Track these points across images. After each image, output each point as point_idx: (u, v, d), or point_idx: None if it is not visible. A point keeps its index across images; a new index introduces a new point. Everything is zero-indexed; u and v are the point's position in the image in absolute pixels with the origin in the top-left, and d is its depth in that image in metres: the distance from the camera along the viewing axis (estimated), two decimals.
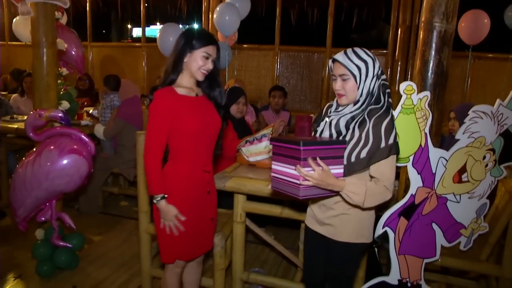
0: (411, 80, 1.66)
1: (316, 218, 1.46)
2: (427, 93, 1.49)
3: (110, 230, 3.02)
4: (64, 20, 2.81)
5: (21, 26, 3.58)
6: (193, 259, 1.72)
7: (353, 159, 1.28)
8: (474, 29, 3.74)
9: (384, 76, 1.35)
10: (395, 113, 1.47)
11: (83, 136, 2.14)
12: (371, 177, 1.32)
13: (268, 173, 1.92)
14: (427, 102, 1.49)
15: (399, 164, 1.50)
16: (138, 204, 2.11)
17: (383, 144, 1.27)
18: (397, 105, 1.50)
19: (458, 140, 1.54)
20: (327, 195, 1.30)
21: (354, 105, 1.33)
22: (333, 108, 1.42)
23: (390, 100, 1.35)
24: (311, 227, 1.50)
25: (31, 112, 2.17)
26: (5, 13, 5.89)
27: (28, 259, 2.43)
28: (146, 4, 5.84)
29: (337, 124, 1.34)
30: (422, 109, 1.49)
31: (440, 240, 1.60)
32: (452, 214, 1.58)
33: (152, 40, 5.27)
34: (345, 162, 1.29)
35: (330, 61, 1.38)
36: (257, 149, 2.09)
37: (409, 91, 1.48)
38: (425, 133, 1.50)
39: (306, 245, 1.57)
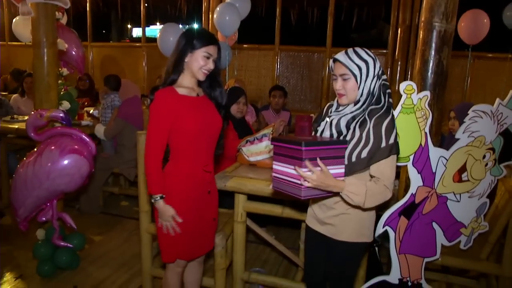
0: (411, 79, 1.67)
1: (316, 217, 1.46)
2: (427, 93, 1.50)
3: (110, 230, 3.02)
4: (64, 20, 2.81)
5: (21, 26, 3.58)
6: (194, 259, 1.72)
7: (354, 159, 1.28)
8: (473, 28, 3.74)
9: (384, 77, 1.35)
10: (395, 112, 1.47)
11: (84, 136, 2.14)
12: (371, 176, 1.32)
13: (268, 172, 1.93)
14: (427, 102, 1.49)
15: (399, 164, 1.50)
16: (138, 204, 2.11)
17: (383, 144, 1.27)
18: (397, 104, 1.50)
19: (458, 139, 1.54)
20: (329, 195, 1.31)
21: (355, 105, 1.33)
22: (333, 108, 1.42)
23: (390, 100, 1.35)
24: (312, 226, 1.50)
25: (32, 112, 2.18)
26: (5, 13, 5.89)
27: (29, 259, 2.43)
28: (146, 4, 5.84)
29: (338, 124, 1.35)
30: (422, 108, 1.49)
31: (441, 239, 1.60)
32: (452, 213, 1.59)
33: (152, 40, 5.28)
34: (346, 162, 1.29)
35: (331, 61, 1.38)
36: (257, 149, 2.09)
37: (409, 91, 1.49)
38: (425, 133, 1.51)
39: (307, 244, 1.57)
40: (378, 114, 1.30)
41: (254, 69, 5.26)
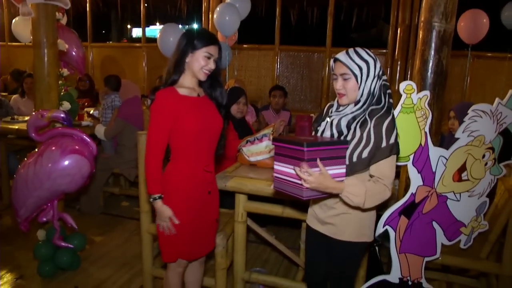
0: (410, 79, 1.67)
1: (317, 217, 1.47)
2: (426, 93, 1.50)
3: (111, 230, 3.02)
4: (64, 20, 2.82)
5: (21, 26, 3.59)
6: (196, 259, 1.73)
7: (355, 159, 1.29)
8: (473, 28, 3.75)
9: (385, 77, 1.36)
10: (395, 112, 1.47)
11: (85, 136, 2.15)
12: (371, 176, 1.33)
13: (269, 172, 1.93)
14: (427, 101, 1.49)
15: (399, 163, 1.51)
16: (139, 204, 2.11)
17: (384, 144, 1.27)
18: (397, 104, 1.51)
19: (457, 139, 1.55)
20: (331, 195, 1.31)
21: (355, 105, 1.34)
22: (334, 108, 1.42)
23: (391, 100, 1.35)
24: (313, 226, 1.50)
25: (33, 113, 2.18)
26: (5, 14, 5.89)
27: (29, 259, 2.43)
28: (146, 4, 5.84)
29: (338, 124, 1.35)
30: (422, 108, 1.49)
31: (441, 238, 1.60)
32: (452, 212, 1.59)
33: (152, 40, 5.28)
34: (347, 162, 1.30)
35: (331, 61, 1.38)
36: (258, 149, 2.09)
37: (409, 91, 1.49)
38: (425, 132, 1.51)
39: (308, 244, 1.58)
40: (378, 114, 1.30)
41: (254, 69, 5.26)
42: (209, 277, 2.03)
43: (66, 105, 2.44)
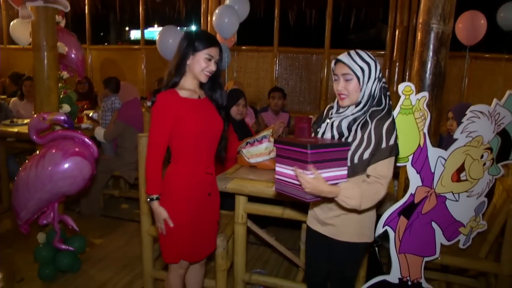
0: (409, 80, 1.68)
1: (318, 218, 1.48)
2: (425, 94, 1.51)
3: (111, 232, 3.02)
4: (62, 23, 2.82)
5: (19, 29, 3.58)
6: (197, 261, 1.73)
7: (356, 160, 1.29)
8: (471, 29, 3.77)
9: (384, 80, 1.37)
10: (394, 113, 1.48)
11: (86, 139, 2.15)
12: (367, 175, 1.33)
13: (269, 174, 1.94)
14: (425, 103, 1.51)
15: (398, 164, 1.52)
16: (139, 206, 2.12)
17: (383, 145, 1.28)
18: (396, 105, 1.52)
19: (456, 139, 1.56)
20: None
21: (356, 106, 1.35)
22: (334, 110, 1.43)
23: (391, 102, 1.37)
24: (313, 227, 1.51)
25: (35, 115, 2.19)
26: (3, 16, 5.89)
27: (30, 262, 2.43)
28: (144, 6, 5.84)
29: (339, 125, 1.36)
30: (420, 109, 1.51)
31: (440, 238, 1.61)
32: (451, 212, 1.60)
33: (151, 42, 5.28)
34: (348, 164, 1.31)
35: (332, 63, 1.39)
36: (257, 151, 2.10)
37: (407, 92, 1.50)
38: (424, 133, 1.52)
39: (308, 245, 1.59)
40: (379, 116, 1.31)
41: (253, 71, 5.27)
42: (209, 279, 2.04)
43: (66, 107, 2.45)
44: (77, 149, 2.07)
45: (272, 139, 2.08)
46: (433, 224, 1.60)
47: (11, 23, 3.70)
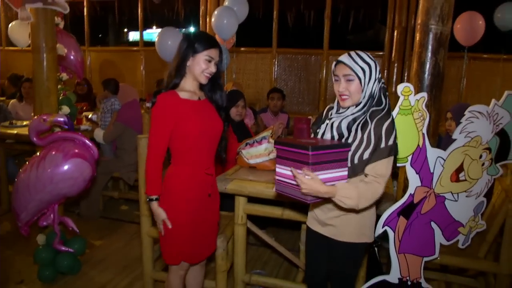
0: (407, 81, 1.69)
1: (317, 219, 1.48)
2: (424, 94, 1.52)
3: (111, 234, 3.02)
4: (61, 25, 2.83)
5: (17, 31, 3.58)
6: (197, 262, 1.73)
7: (356, 160, 1.30)
8: (469, 30, 3.78)
9: (383, 80, 1.39)
10: (393, 114, 1.49)
11: (86, 140, 2.16)
12: (365, 174, 1.33)
13: (268, 175, 1.94)
14: (424, 103, 1.51)
15: (398, 164, 1.52)
16: (139, 207, 2.12)
17: (383, 145, 1.29)
18: (395, 106, 1.52)
19: (455, 139, 1.56)
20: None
21: (356, 107, 1.36)
22: (334, 110, 1.44)
23: (389, 103, 1.38)
24: (313, 228, 1.51)
25: (35, 117, 2.19)
26: (2, 18, 5.88)
27: (29, 264, 2.43)
28: (143, 8, 5.84)
29: (339, 126, 1.36)
30: (419, 109, 1.51)
31: (439, 238, 1.62)
32: (450, 212, 1.61)
33: (150, 44, 5.28)
34: (348, 164, 1.31)
35: (332, 65, 1.40)
36: (257, 151, 2.11)
37: (406, 93, 1.51)
38: (423, 134, 1.53)
39: (308, 245, 1.59)
40: (379, 116, 1.32)
41: (252, 72, 5.27)
42: (209, 280, 2.04)
43: (65, 109, 2.45)
44: (77, 151, 2.08)
45: (271, 140, 2.08)
46: (433, 224, 1.60)
47: (10, 24, 3.70)
